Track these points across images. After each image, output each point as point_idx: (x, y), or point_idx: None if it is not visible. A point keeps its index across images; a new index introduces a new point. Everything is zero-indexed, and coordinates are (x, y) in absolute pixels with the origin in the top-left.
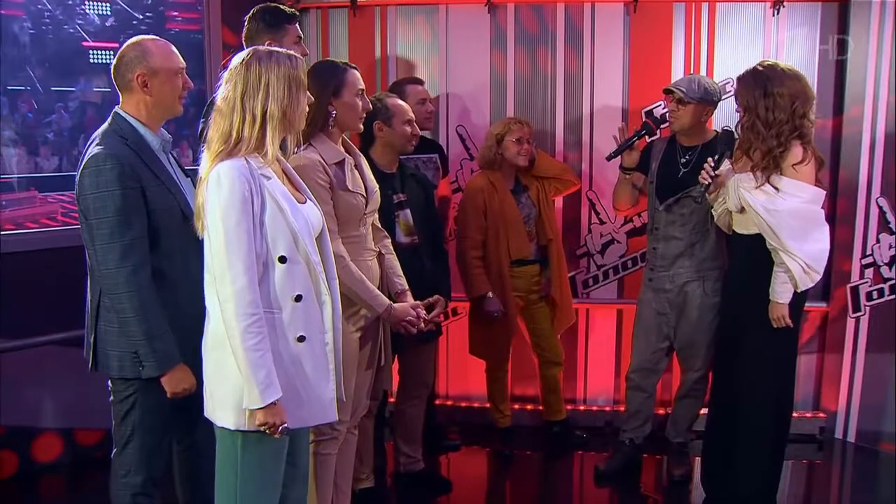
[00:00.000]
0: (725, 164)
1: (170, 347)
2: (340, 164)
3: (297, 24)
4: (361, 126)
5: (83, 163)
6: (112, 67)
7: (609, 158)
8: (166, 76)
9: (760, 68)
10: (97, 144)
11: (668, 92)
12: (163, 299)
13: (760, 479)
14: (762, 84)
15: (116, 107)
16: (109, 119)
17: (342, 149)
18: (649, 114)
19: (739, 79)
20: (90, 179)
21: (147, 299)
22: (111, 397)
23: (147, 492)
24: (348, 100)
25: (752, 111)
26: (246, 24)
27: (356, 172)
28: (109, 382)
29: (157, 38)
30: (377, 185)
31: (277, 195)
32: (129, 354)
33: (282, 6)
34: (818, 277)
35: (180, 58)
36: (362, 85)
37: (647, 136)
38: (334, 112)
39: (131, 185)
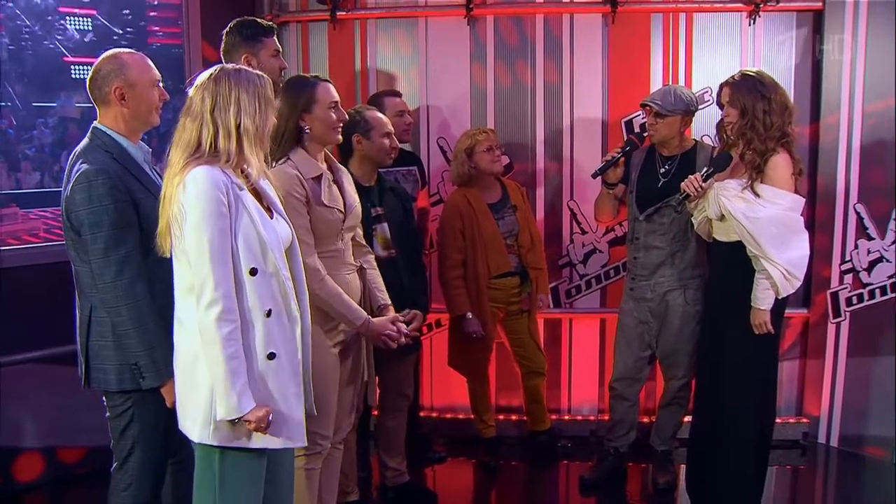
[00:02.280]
0: (711, 181)
1: (169, 357)
2: (318, 178)
3: (274, 37)
4: (339, 138)
5: (72, 180)
6: (88, 81)
7: (595, 176)
8: (143, 88)
9: (752, 74)
10: (83, 161)
11: (645, 105)
12: (156, 308)
13: (744, 486)
14: (757, 88)
15: (95, 122)
16: (89, 134)
17: (323, 164)
18: (630, 127)
19: (732, 84)
20: (82, 195)
21: (145, 310)
22: (107, 413)
23: None
24: (320, 114)
25: (750, 113)
26: (224, 37)
27: (334, 187)
28: (104, 398)
29: (133, 50)
30: (358, 200)
31: (250, 206)
32: (127, 367)
33: (259, 19)
34: (798, 284)
35: (156, 70)
36: (335, 97)
37: (631, 152)
38: (307, 127)
39: (122, 198)
